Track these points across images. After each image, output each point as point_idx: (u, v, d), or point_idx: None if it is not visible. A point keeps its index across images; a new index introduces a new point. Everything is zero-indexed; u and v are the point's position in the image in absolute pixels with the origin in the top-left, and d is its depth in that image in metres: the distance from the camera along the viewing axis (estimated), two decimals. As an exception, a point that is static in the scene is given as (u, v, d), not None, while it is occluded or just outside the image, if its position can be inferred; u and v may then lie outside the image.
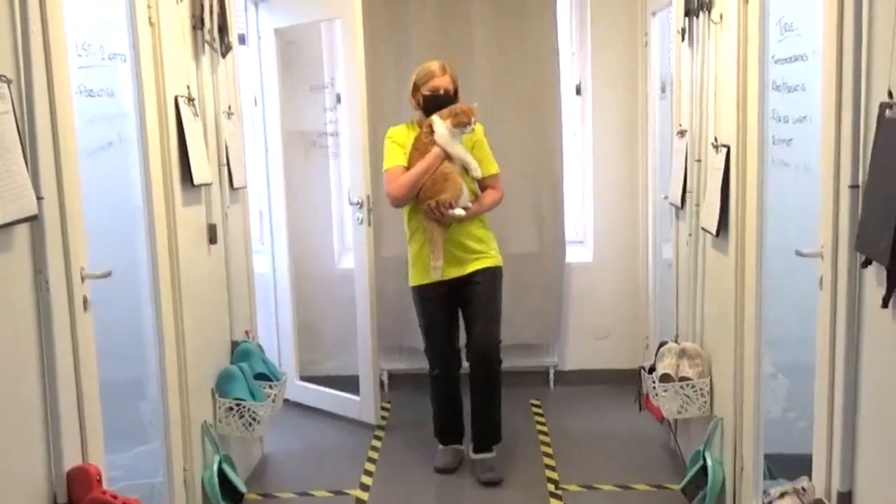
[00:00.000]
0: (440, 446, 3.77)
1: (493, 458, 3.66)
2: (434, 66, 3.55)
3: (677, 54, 3.49)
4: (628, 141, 4.56)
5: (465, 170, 3.52)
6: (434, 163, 3.44)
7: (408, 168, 3.50)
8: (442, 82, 3.51)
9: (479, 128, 3.59)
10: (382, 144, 3.64)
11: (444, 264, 3.48)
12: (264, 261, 4.39)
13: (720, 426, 3.01)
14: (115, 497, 2.03)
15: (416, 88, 3.57)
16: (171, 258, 2.81)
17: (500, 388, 3.67)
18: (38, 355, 1.98)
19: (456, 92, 3.56)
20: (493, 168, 3.62)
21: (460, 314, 3.68)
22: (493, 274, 3.61)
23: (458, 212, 3.43)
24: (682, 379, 3.15)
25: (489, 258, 3.60)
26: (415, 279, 3.63)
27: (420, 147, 3.48)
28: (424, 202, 3.45)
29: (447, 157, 3.45)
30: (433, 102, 3.50)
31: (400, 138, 3.59)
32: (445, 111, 3.45)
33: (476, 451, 3.68)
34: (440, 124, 3.43)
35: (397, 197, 3.52)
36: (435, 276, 3.49)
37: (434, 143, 3.44)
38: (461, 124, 3.40)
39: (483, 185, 3.60)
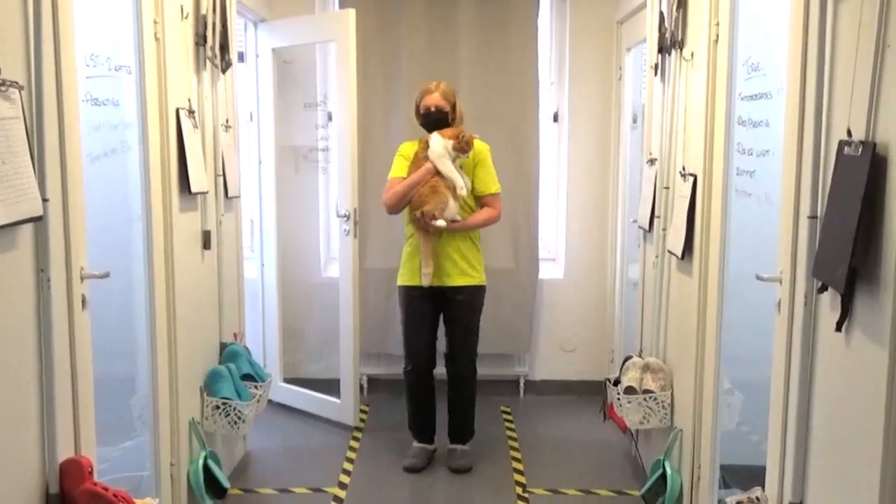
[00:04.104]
0: (414, 443, 3.77)
1: (466, 450, 3.73)
2: (430, 85, 3.57)
3: (650, 88, 3.52)
4: (601, 167, 4.59)
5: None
6: (424, 176, 3.45)
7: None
8: (432, 100, 3.52)
9: (485, 148, 3.58)
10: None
11: (432, 272, 3.49)
12: (253, 267, 4.36)
13: (679, 437, 3.02)
14: (105, 489, 1.99)
15: (417, 108, 3.59)
16: (167, 261, 2.78)
17: (474, 394, 3.73)
18: (37, 350, 1.95)
19: (454, 109, 3.54)
20: (492, 188, 3.58)
21: (441, 320, 3.68)
22: (474, 293, 3.62)
23: (440, 223, 3.43)
24: (646, 391, 3.17)
25: (472, 277, 3.58)
26: (402, 279, 3.64)
27: (417, 161, 3.51)
28: (413, 212, 3.48)
29: (438, 172, 3.45)
30: (426, 119, 3.54)
31: (406, 152, 3.60)
32: (449, 131, 3.47)
33: (451, 441, 3.76)
34: (437, 141, 3.44)
35: (388, 204, 3.56)
36: (423, 283, 3.50)
37: (427, 158, 3.46)
38: (459, 149, 3.41)
39: (481, 203, 3.59)
